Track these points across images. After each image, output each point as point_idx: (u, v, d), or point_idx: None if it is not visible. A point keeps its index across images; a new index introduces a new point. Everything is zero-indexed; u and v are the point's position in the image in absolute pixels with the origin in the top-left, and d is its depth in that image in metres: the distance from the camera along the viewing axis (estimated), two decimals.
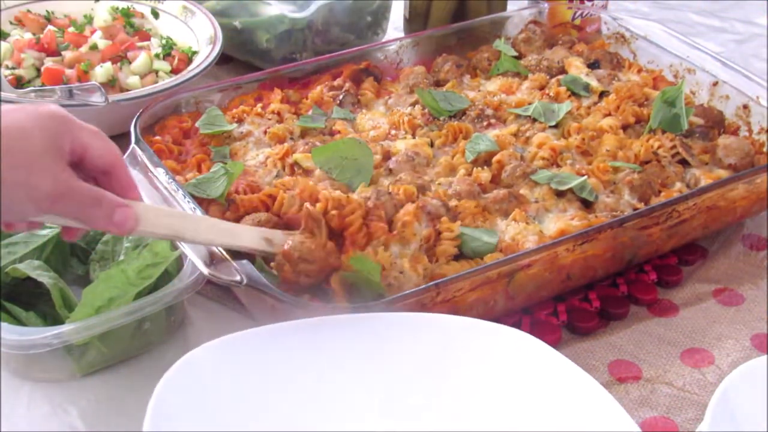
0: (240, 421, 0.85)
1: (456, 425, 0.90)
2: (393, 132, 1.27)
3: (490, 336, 0.95)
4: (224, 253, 0.98)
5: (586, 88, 1.38)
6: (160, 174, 1.10)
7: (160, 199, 1.07)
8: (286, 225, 1.06)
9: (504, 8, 1.65)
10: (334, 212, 1.02)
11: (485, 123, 1.29)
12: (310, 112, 1.30)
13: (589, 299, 1.16)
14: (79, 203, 0.84)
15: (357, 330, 0.94)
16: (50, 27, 1.51)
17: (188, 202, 1.05)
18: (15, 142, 0.80)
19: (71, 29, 1.51)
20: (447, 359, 0.93)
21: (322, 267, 0.99)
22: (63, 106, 1.28)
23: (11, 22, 1.54)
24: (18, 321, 1.00)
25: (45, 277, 1.02)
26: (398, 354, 0.93)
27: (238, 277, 0.95)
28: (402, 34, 1.68)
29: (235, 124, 1.25)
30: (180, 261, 1.05)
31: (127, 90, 1.40)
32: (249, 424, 0.86)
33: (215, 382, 0.87)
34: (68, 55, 1.44)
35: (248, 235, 1.00)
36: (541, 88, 1.38)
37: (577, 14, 1.57)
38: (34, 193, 0.81)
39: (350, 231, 1.02)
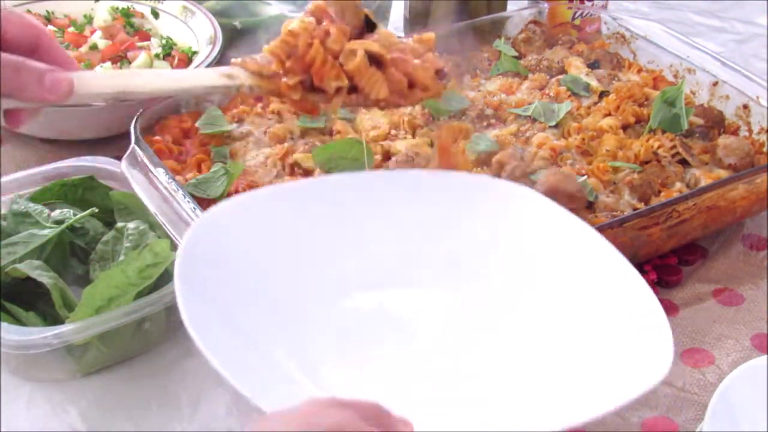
0: (265, 264, 0.90)
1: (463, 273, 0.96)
2: (393, 132, 1.27)
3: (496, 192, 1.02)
4: None
5: (586, 88, 1.38)
6: (160, 174, 1.10)
7: (161, 199, 1.07)
8: None
9: (504, 8, 1.65)
10: (289, 63, 0.95)
11: (485, 123, 1.29)
12: None
13: None
14: None
15: (381, 185, 0.99)
16: (50, 27, 1.51)
17: (188, 202, 1.05)
18: None
19: (71, 29, 1.51)
20: (460, 213, 0.99)
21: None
22: (63, 106, 1.30)
23: None
24: (18, 321, 1.00)
25: (45, 277, 1.02)
26: (421, 207, 0.99)
27: None
28: (402, 34, 1.68)
29: (235, 124, 1.25)
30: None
31: None
32: (273, 268, 0.91)
33: (243, 231, 0.91)
34: (68, 55, 1.44)
35: (206, 75, 0.95)
36: (541, 88, 1.38)
37: (577, 14, 1.57)
38: None
39: (315, 70, 0.95)
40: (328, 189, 1.00)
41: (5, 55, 0.81)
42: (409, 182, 1.01)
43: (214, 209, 0.93)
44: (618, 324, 0.90)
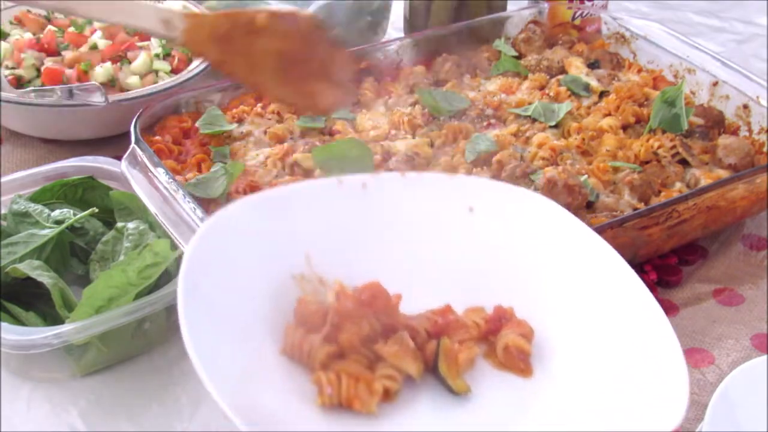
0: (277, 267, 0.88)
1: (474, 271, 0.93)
2: (393, 132, 1.27)
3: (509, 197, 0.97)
4: None
5: (586, 88, 1.38)
6: (160, 174, 1.10)
7: (161, 199, 1.07)
8: None
9: (504, 8, 1.65)
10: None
11: (485, 123, 1.29)
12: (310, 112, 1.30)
13: None
14: None
15: (393, 189, 0.95)
16: (50, 27, 1.51)
17: (188, 202, 1.05)
18: None
19: (71, 29, 1.51)
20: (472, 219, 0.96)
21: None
22: (63, 106, 1.31)
23: (11, 22, 1.54)
24: (18, 321, 1.00)
25: (45, 277, 1.02)
26: (433, 213, 0.95)
27: None
28: (402, 34, 1.68)
29: (235, 124, 1.25)
30: (180, 261, 1.05)
31: (127, 90, 1.40)
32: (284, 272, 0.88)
33: (252, 235, 0.88)
34: (68, 55, 1.44)
35: (144, 14, 0.91)
36: (541, 88, 1.38)
37: (577, 14, 1.57)
38: None
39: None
40: (338, 190, 0.95)
41: None
42: (418, 185, 0.97)
43: (220, 214, 0.89)
44: (633, 360, 0.84)
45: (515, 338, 0.88)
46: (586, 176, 1.17)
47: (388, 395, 0.83)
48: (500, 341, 0.88)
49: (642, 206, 1.15)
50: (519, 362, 0.87)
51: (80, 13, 0.90)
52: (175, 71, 1.45)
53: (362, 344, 0.84)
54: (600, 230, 1.06)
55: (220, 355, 0.78)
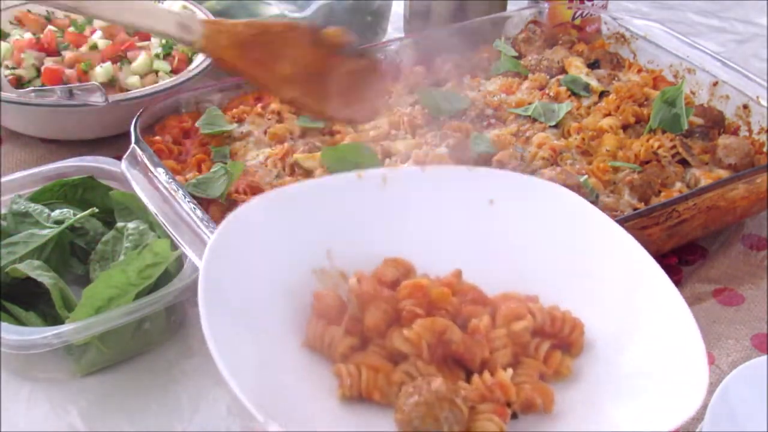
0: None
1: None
2: (393, 132, 1.27)
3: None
4: None
5: (586, 88, 1.38)
6: (160, 174, 1.10)
7: (161, 199, 1.07)
8: None
9: (504, 8, 1.65)
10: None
11: (485, 123, 1.29)
12: None
13: None
14: None
15: (413, 182, 0.97)
16: (50, 27, 1.51)
17: (188, 202, 1.05)
18: None
19: (71, 29, 1.51)
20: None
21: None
22: (63, 106, 1.31)
23: (11, 22, 1.54)
24: (18, 321, 1.00)
25: (45, 277, 1.02)
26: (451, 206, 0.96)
27: None
28: (402, 34, 1.68)
29: (235, 124, 1.25)
30: (180, 261, 1.05)
31: (127, 90, 1.40)
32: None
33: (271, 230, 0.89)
34: (68, 55, 1.44)
35: (162, 16, 0.92)
36: (541, 88, 1.38)
37: (577, 14, 1.57)
38: None
39: None
40: (358, 184, 0.96)
41: None
42: (438, 179, 0.98)
43: (238, 213, 0.89)
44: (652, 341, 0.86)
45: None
46: (586, 176, 1.17)
47: None
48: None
49: (642, 206, 1.15)
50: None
51: (93, 13, 0.88)
52: (175, 71, 1.45)
53: (387, 327, 0.85)
54: None
55: (240, 349, 0.78)
